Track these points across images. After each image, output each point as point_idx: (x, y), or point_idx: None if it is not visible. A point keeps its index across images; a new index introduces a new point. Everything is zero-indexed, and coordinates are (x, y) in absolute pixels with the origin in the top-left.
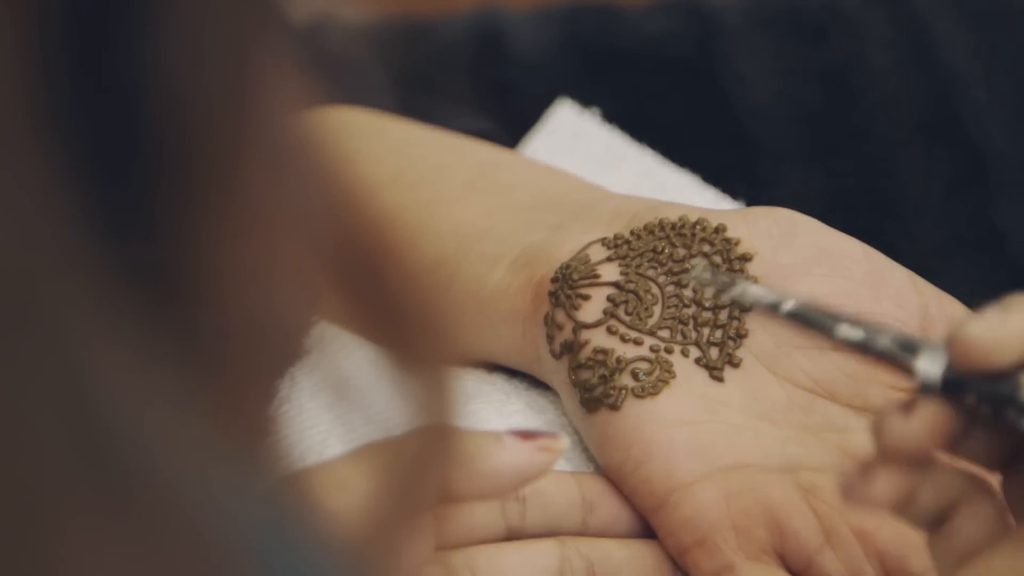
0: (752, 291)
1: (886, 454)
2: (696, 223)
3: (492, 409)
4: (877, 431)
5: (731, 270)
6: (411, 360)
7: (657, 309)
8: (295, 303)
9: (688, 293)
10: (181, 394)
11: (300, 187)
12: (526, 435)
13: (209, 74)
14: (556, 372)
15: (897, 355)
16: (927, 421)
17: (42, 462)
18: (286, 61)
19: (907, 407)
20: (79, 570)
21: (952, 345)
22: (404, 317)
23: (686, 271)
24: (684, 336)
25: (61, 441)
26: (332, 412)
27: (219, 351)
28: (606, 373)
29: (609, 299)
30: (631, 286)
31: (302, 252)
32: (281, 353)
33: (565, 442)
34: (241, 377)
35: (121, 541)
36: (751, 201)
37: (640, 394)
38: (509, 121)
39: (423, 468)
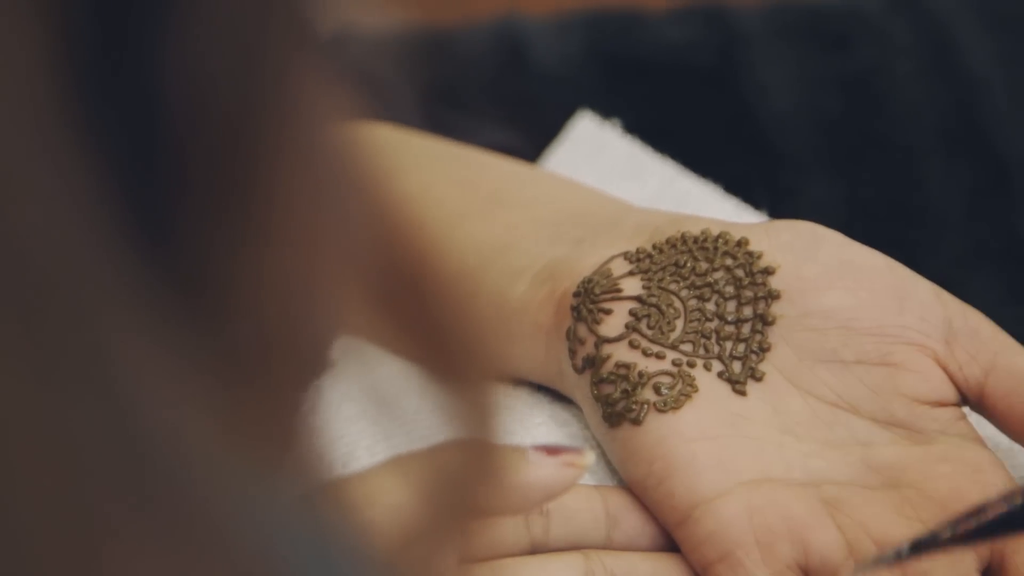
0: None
1: None
2: (718, 236)
3: (515, 422)
4: None
5: (753, 283)
6: (452, 377)
7: (679, 323)
8: (326, 313)
9: (711, 307)
10: (215, 400)
11: (337, 196)
12: (551, 450)
13: (241, 77)
14: (578, 386)
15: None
16: None
17: (83, 468)
18: (321, 70)
19: None
20: (112, 560)
21: None
22: (444, 334)
23: (708, 285)
24: (706, 350)
25: (102, 447)
26: (365, 422)
27: (250, 358)
28: (628, 388)
29: (631, 313)
30: (653, 300)
31: (337, 262)
32: (310, 362)
33: (591, 458)
34: (271, 385)
35: (159, 547)
36: (773, 210)
37: (662, 408)
38: (531, 133)
39: (461, 482)
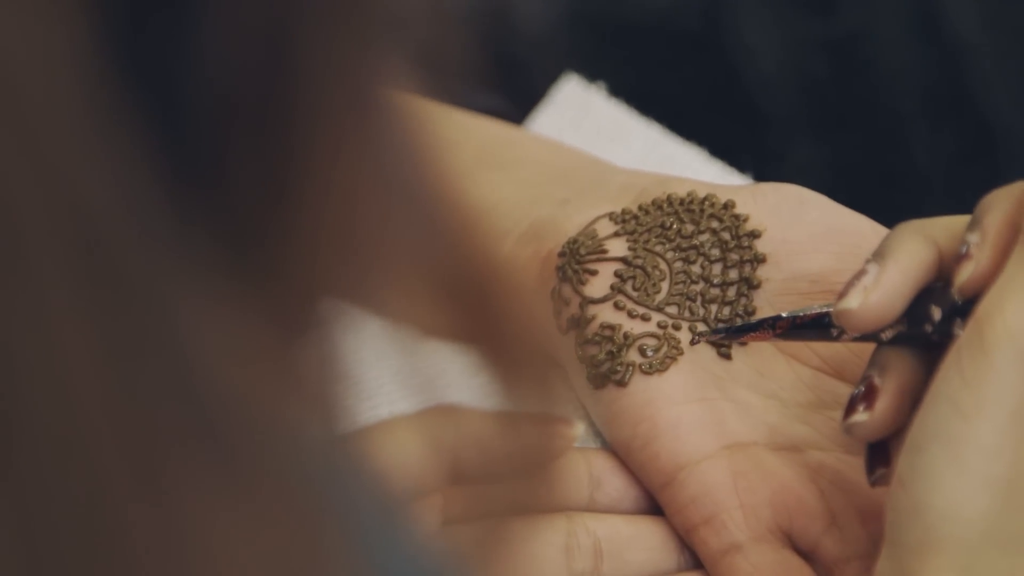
0: None
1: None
2: (705, 199)
3: None
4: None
5: (739, 247)
6: (499, 348)
7: (665, 285)
8: (367, 268)
9: (696, 269)
10: (265, 348)
11: (378, 158)
12: (540, 419)
13: (279, 39)
14: (563, 347)
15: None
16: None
17: (145, 407)
18: (356, 35)
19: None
20: (200, 527)
21: (840, 321)
22: (492, 304)
23: (694, 247)
24: (692, 312)
25: (169, 404)
26: (385, 369)
27: (295, 306)
28: (613, 349)
29: (616, 274)
30: (639, 261)
31: (383, 228)
32: (347, 311)
33: (579, 428)
34: (312, 330)
35: (227, 492)
36: (758, 173)
37: (648, 371)
38: (517, 96)
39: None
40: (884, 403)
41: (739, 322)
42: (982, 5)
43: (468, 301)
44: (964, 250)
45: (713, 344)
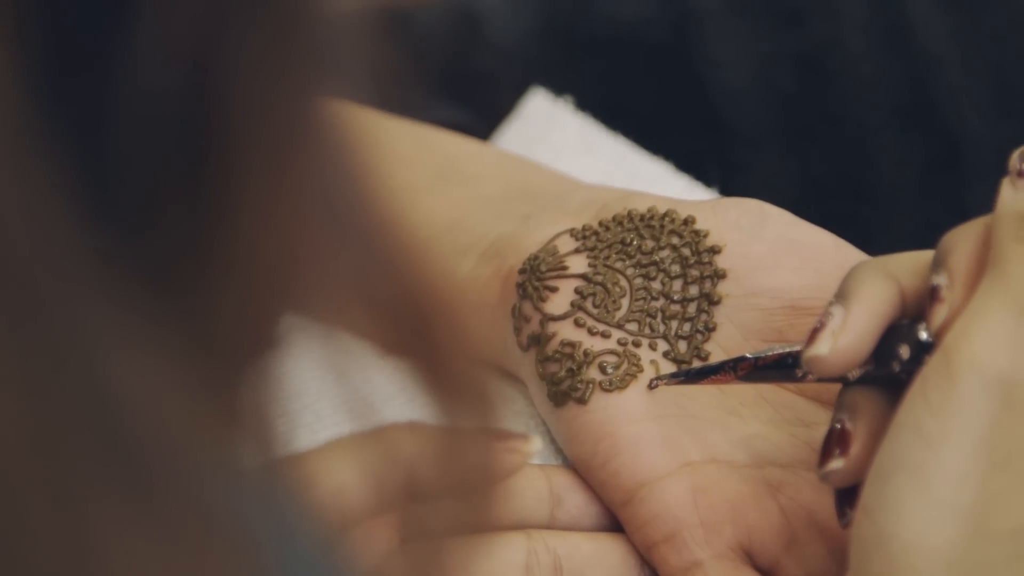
0: None
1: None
2: (665, 215)
3: None
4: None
5: (700, 262)
6: (437, 367)
7: (625, 302)
8: (291, 290)
9: (656, 285)
10: (183, 375)
11: (307, 174)
12: (497, 435)
13: (203, 57)
14: (523, 364)
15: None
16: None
17: (67, 450)
18: (284, 48)
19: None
20: (107, 547)
21: (810, 367)
22: (430, 323)
23: (654, 263)
24: (652, 329)
25: (83, 430)
26: (311, 397)
27: (214, 333)
28: (573, 367)
29: (577, 291)
30: (599, 278)
31: (308, 240)
32: (266, 337)
33: (537, 444)
34: (233, 359)
35: (142, 520)
36: (725, 186)
37: (608, 388)
38: (484, 110)
39: (406, 465)
40: (858, 447)
41: (699, 338)
42: (949, 17)
43: (407, 320)
44: (935, 292)
45: (674, 360)
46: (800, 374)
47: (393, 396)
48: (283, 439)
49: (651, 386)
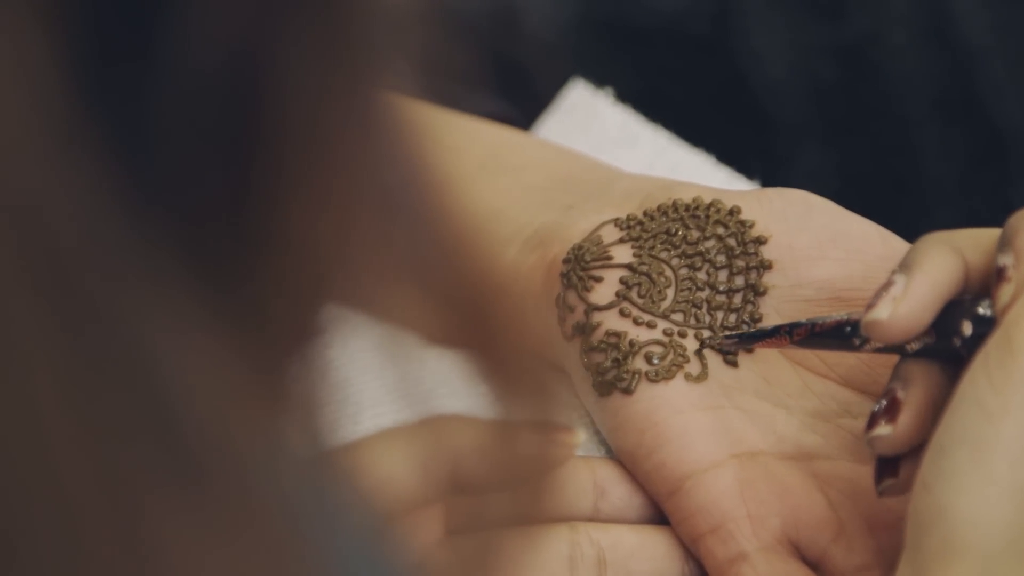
0: None
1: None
2: (710, 205)
3: None
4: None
5: (745, 253)
6: (496, 356)
7: (670, 292)
8: (363, 287)
9: (702, 276)
10: (231, 366)
11: (378, 168)
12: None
13: (254, 47)
14: (568, 355)
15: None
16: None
17: (121, 442)
18: (335, 41)
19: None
20: (161, 537)
21: (868, 331)
22: (487, 311)
23: (700, 254)
24: (697, 320)
25: (136, 421)
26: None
27: (267, 321)
28: (619, 357)
29: (622, 281)
30: (644, 268)
31: (378, 238)
32: (314, 327)
33: (580, 436)
34: (286, 346)
35: (194, 511)
36: (766, 179)
37: (654, 378)
38: (524, 101)
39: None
40: (907, 417)
41: (745, 329)
42: (991, 9)
43: (464, 309)
44: (1001, 272)
45: (719, 351)
46: (858, 342)
47: (437, 387)
48: (330, 428)
49: (704, 346)
